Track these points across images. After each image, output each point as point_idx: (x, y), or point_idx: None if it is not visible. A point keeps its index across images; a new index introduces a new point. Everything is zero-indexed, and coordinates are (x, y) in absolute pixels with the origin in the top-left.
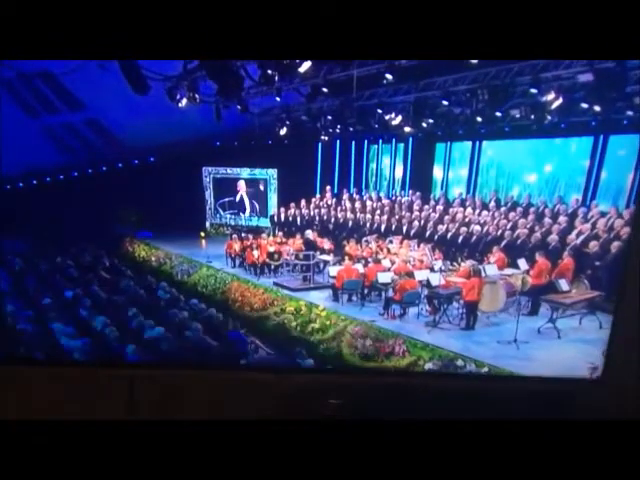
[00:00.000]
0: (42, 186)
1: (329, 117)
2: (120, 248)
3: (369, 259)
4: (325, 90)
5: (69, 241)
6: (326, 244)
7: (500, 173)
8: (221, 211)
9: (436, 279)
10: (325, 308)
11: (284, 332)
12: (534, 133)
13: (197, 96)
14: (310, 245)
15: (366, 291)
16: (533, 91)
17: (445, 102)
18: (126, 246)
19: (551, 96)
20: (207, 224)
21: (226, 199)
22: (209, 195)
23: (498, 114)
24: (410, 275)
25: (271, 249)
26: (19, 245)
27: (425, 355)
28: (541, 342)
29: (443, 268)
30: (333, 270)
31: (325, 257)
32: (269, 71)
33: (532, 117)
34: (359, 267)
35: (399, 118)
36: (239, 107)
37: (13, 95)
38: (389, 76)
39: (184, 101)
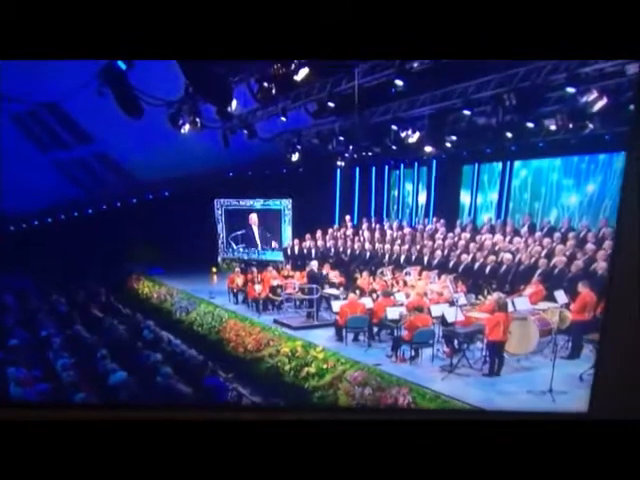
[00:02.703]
0: (56, 224)
1: (341, 138)
2: (125, 285)
3: (378, 292)
4: (332, 105)
5: (74, 278)
6: (336, 277)
7: (535, 196)
8: (233, 245)
9: (452, 315)
10: (323, 349)
11: (276, 377)
12: (573, 148)
13: (198, 120)
14: (315, 278)
15: (375, 329)
16: (570, 91)
17: (467, 112)
18: (132, 283)
19: (592, 97)
20: (219, 259)
21: (238, 232)
22: (221, 228)
23: (530, 125)
24: (421, 310)
25: (275, 283)
26: (21, 281)
27: (435, 408)
28: (583, 392)
29: (465, 302)
30: (336, 305)
31: (333, 291)
32: (265, 84)
33: (570, 127)
34: (367, 301)
35: (417, 135)
36: (246, 132)
37: (24, 130)
38: (399, 82)
39: (187, 127)
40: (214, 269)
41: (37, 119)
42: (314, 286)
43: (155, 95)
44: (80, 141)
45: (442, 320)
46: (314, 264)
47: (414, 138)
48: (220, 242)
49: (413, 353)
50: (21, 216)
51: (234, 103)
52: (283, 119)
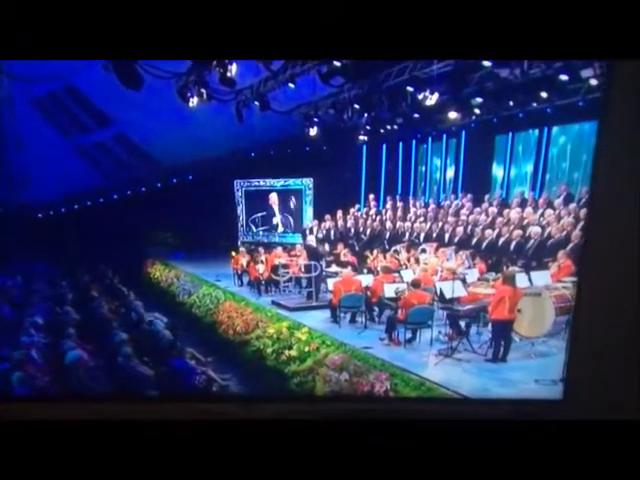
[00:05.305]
0: (81, 211)
1: (356, 106)
2: (140, 269)
3: (378, 269)
4: (338, 65)
5: (89, 263)
6: (346, 255)
7: (574, 165)
8: (253, 228)
9: (449, 289)
10: (309, 330)
11: (258, 361)
12: None
13: (204, 91)
14: (314, 254)
15: (377, 310)
16: None
17: (487, 63)
18: (146, 268)
19: None
20: (239, 242)
21: (259, 214)
22: (241, 210)
23: (564, 78)
24: (417, 285)
25: (277, 262)
26: (36, 266)
27: (416, 396)
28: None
29: (476, 277)
30: (330, 283)
31: (337, 269)
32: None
33: None
34: (365, 279)
35: (435, 96)
36: (257, 103)
37: (45, 115)
38: None
39: (195, 99)
40: (233, 253)
41: (56, 102)
42: (312, 263)
43: (164, 67)
44: (99, 124)
45: (440, 296)
46: (311, 238)
47: (432, 100)
48: (240, 225)
49: (410, 335)
50: (48, 204)
51: (234, 67)
52: (291, 85)
